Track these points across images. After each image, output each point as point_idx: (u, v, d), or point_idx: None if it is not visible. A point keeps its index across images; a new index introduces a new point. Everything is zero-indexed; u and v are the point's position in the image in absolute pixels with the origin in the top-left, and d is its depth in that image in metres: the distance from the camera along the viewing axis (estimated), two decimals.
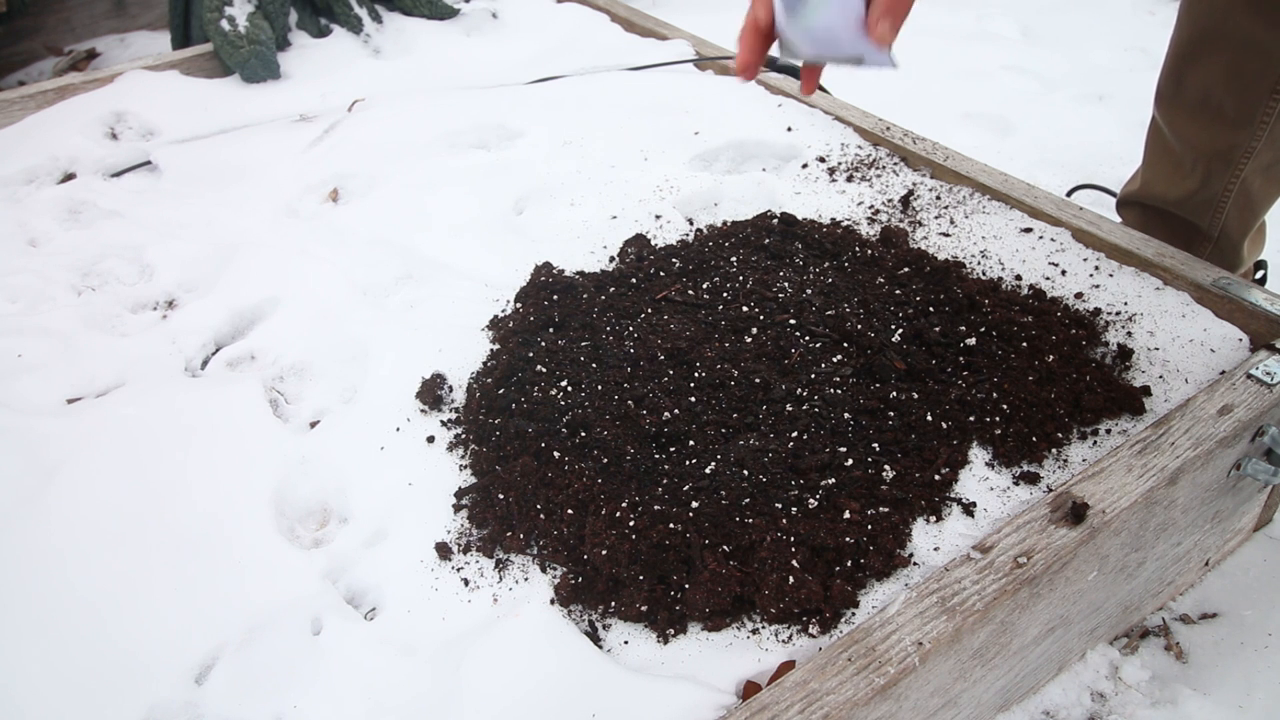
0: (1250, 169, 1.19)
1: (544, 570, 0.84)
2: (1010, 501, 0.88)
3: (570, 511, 0.86)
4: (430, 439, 0.97)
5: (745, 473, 0.87)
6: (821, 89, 1.58)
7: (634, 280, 1.13)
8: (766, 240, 1.17)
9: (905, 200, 1.27)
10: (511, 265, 1.19)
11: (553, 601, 0.82)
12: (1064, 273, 1.13)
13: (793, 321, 1.02)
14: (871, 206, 1.27)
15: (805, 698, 0.70)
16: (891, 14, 0.77)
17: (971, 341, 1.01)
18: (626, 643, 0.80)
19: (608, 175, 1.36)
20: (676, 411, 0.93)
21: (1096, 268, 1.13)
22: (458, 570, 0.85)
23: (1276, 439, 0.94)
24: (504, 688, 0.76)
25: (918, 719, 0.79)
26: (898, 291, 1.08)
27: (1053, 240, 1.18)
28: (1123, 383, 0.98)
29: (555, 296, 1.10)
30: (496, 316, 1.11)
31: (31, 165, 1.45)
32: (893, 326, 1.02)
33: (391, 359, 1.06)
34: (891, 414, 0.93)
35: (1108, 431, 0.94)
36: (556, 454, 0.90)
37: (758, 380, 0.95)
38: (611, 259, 1.20)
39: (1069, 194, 1.74)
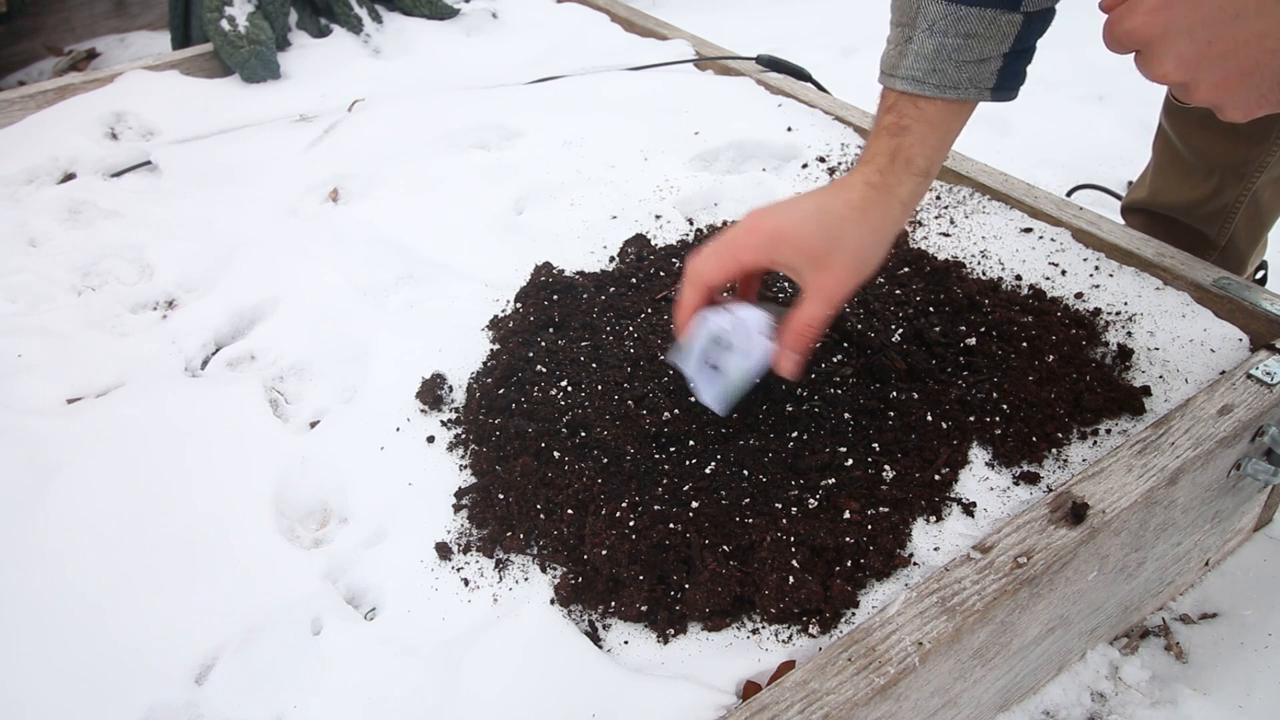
0: (1262, 181, 1.18)
1: (544, 570, 0.84)
2: (1010, 501, 0.88)
3: (570, 511, 0.86)
4: (430, 439, 0.97)
5: (745, 473, 0.87)
6: (821, 89, 1.58)
7: (634, 280, 1.13)
8: None
9: None
10: (511, 265, 1.19)
11: (553, 601, 0.82)
12: (1064, 273, 1.13)
13: None
14: None
15: (805, 698, 0.70)
16: (799, 349, 0.84)
17: (971, 341, 1.01)
18: (626, 643, 0.80)
19: (608, 175, 1.36)
20: (676, 411, 0.93)
21: (1096, 268, 1.13)
22: (458, 570, 0.85)
23: (1276, 439, 0.94)
24: (504, 687, 0.76)
25: (918, 719, 0.79)
26: (898, 291, 1.08)
27: (1053, 240, 1.18)
28: (1123, 383, 0.98)
29: (555, 296, 1.10)
30: (496, 316, 1.11)
31: (31, 165, 1.45)
32: (893, 326, 1.02)
33: (391, 359, 1.06)
34: (891, 414, 0.93)
35: (1108, 431, 0.94)
36: (556, 454, 0.90)
37: (757, 380, 0.95)
38: (611, 259, 1.20)
39: (1069, 194, 1.74)
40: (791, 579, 0.79)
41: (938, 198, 1.28)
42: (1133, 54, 0.73)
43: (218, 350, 1.13)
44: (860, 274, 0.84)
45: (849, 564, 0.81)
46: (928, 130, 0.83)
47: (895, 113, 0.83)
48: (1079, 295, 1.09)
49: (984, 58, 0.81)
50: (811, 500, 0.85)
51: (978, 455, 0.92)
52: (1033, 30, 0.81)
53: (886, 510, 0.85)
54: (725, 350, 0.84)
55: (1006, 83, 0.83)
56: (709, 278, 0.85)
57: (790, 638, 0.78)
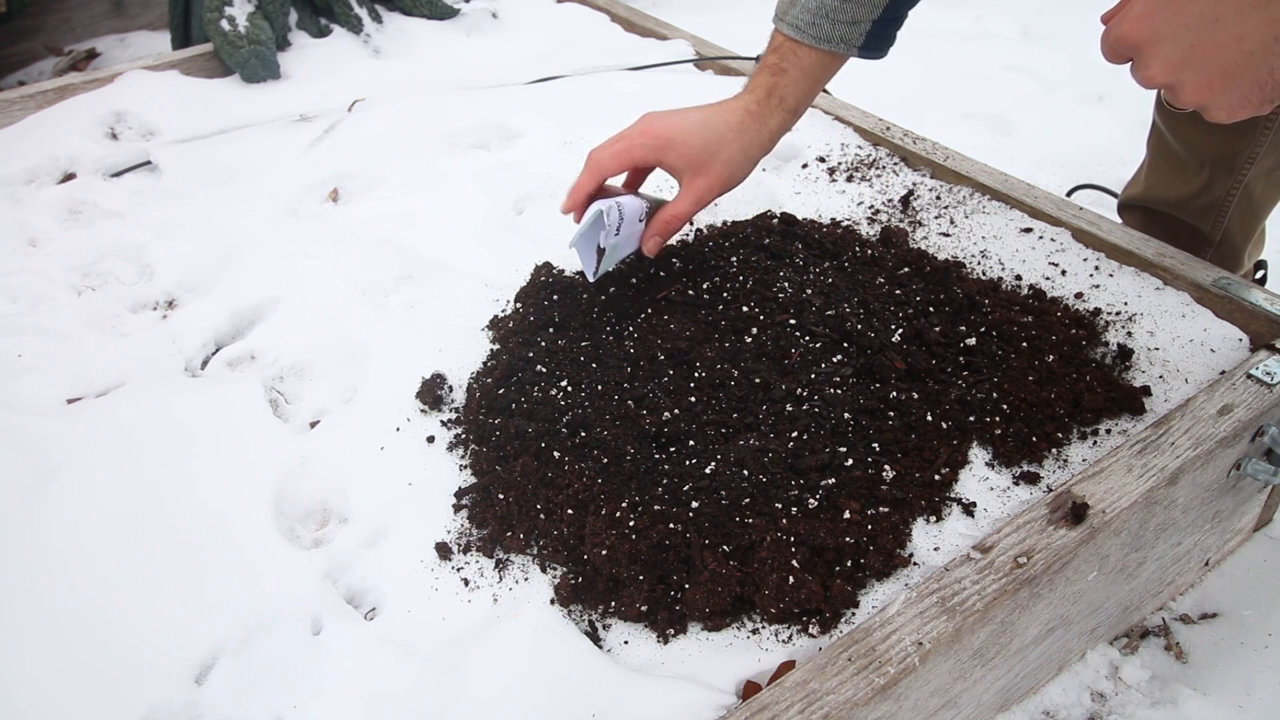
0: (1253, 174, 1.19)
1: (544, 570, 0.84)
2: (1010, 501, 0.88)
3: (570, 511, 0.86)
4: (430, 439, 0.97)
5: (745, 473, 0.87)
6: (822, 89, 1.58)
7: (634, 280, 1.13)
8: (766, 240, 1.17)
9: (905, 200, 1.27)
10: (511, 265, 1.19)
11: (553, 601, 0.82)
12: (1064, 273, 1.13)
13: (793, 321, 1.02)
14: (871, 206, 1.27)
15: (805, 698, 0.70)
16: (663, 235, 1.02)
17: (971, 341, 1.01)
18: (626, 643, 0.80)
19: None
20: (676, 411, 0.93)
21: (1096, 268, 1.14)
22: (458, 570, 0.85)
23: (1276, 439, 0.94)
24: (504, 687, 0.76)
25: (918, 719, 0.79)
26: (898, 291, 1.08)
27: (1053, 240, 1.18)
28: (1123, 383, 0.98)
29: (555, 296, 1.10)
30: (496, 316, 1.11)
31: (31, 165, 1.45)
32: (893, 326, 1.02)
33: (391, 359, 1.06)
34: (891, 414, 0.93)
35: (1108, 431, 0.94)
36: (556, 454, 0.90)
37: (758, 380, 0.95)
38: None
39: (1069, 194, 1.74)
40: (791, 579, 0.79)
41: (938, 198, 1.28)
42: (1128, 63, 0.75)
43: (218, 350, 1.13)
44: (728, 185, 1.01)
45: (849, 564, 0.81)
46: (801, 76, 1.00)
47: (778, 54, 1.00)
48: (1079, 295, 1.10)
49: (856, 20, 0.96)
50: (811, 500, 0.85)
51: (978, 455, 0.92)
52: (901, 1, 0.96)
53: (886, 510, 0.85)
54: (608, 231, 0.97)
55: (874, 43, 0.98)
56: (605, 167, 0.99)
57: (790, 638, 0.78)
